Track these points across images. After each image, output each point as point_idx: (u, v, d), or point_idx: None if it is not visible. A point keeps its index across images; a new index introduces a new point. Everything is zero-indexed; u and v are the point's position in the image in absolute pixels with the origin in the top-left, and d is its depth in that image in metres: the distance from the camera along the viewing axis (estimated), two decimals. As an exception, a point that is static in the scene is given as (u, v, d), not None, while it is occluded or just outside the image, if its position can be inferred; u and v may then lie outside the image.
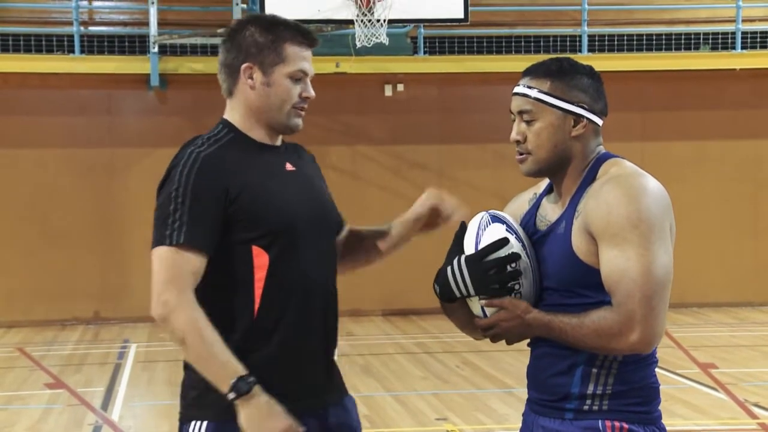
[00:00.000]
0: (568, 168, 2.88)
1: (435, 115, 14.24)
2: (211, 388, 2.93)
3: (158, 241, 2.94)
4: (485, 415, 8.18)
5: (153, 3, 13.14)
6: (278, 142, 3.16)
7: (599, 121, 2.91)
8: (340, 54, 12.86)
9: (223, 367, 2.88)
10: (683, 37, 14.63)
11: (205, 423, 3.00)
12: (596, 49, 14.33)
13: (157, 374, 10.28)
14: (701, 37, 14.65)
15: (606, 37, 14.48)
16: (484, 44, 14.35)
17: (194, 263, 2.91)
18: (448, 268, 2.86)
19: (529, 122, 2.88)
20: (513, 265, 2.81)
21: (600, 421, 2.80)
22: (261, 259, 2.99)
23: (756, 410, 8.19)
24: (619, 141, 11.28)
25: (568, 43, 14.45)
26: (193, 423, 3.03)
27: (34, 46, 13.67)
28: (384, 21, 11.36)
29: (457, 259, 2.86)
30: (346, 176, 13.55)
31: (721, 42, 14.60)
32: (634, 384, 2.82)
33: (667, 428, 2.91)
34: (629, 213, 2.71)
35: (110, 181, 13.81)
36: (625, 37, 14.51)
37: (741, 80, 14.33)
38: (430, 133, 14.22)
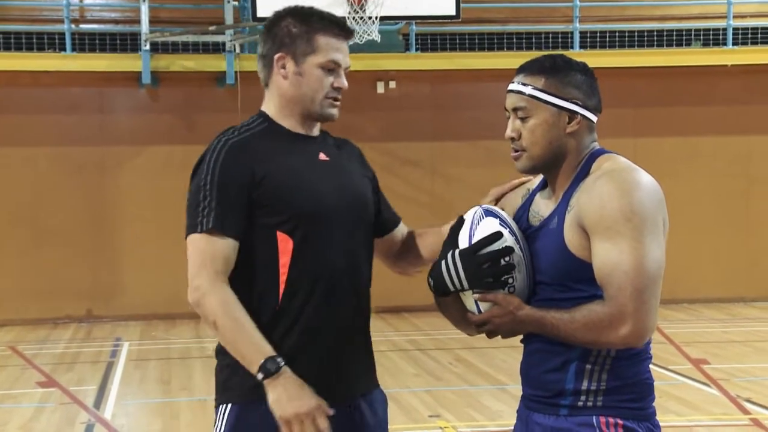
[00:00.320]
0: (562, 164, 2.89)
1: (427, 112, 14.25)
2: (235, 372, 3.00)
3: (190, 228, 3.02)
4: (478, 412, 8.18)
5: (144, 0, 13.12)
6: (314, 133, 3.20)
7: (594, 118, 2.92)
8: (332, 51, 12.84)
9: (253, 347, 2.93)
10: (675, 33, 14.65)
11: (230, 405, 3.06)
12: (588, 46, 14.34)
13: (149, 372, 10.26)
14: (693, 33, 14.67)
15: (598, 34, 14.49)
16: (476, 41, 14.35)
17: (225, 248, 2.98)
18: (442, 262, 2.87)
19: (523, 119, 2.89)
20: (506, 258, 2.81)
21: (594, 417, 2.81)
22: (285, 245, 3.03)
23: (748, 405, 8.20)
24: (611, 137, 11.26)
25: (560, 40, 14.45)
26: (222, 407, 3.09)
27: (25, 43, 13.64)
28: (376, 18, 11.35)
29: (451, 252, 2.86)
30: (338, 173, 13.53)
31: (713, 38, 14.62)
32: (628, 380, 2.82)
33: (660, 424, 2.91)
34: (622, 206, 2.71)
35: (102, 179, 13.78)
36: (617, 34, 14.53)
37: (732, 76, 14.35)
38: (422, 130, 14.22)
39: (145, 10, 13.16)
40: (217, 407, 3.11)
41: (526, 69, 2.91)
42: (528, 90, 2.87)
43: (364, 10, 11.37)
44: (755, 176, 14.60)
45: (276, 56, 3.13)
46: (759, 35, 14.63)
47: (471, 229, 2.87)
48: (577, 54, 13.34)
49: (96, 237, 13.72)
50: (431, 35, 14.25)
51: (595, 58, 11.61)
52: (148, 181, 13.76)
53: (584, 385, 2.81)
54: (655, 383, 2.91)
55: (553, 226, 2.84)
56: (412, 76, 13.95)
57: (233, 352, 2.98)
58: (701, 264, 14.33)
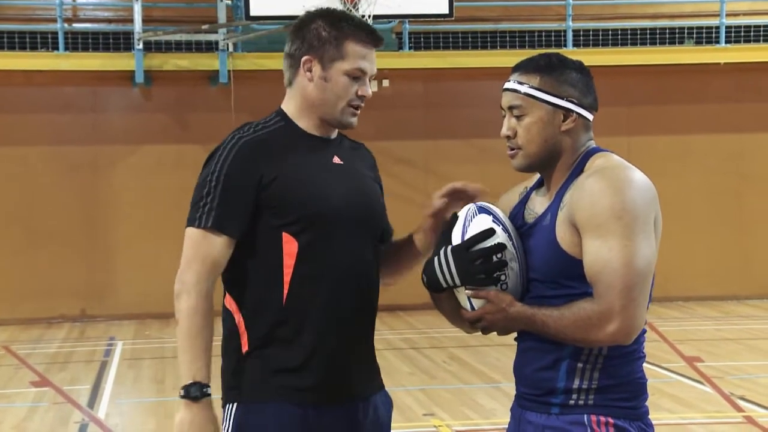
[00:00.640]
0: (558, 162, 2.89)
1: (420, 111, 14.25)
2: (240, 373, 3.03)
3: (189, 221, 3.03)
4: (472, 411, 8.19)
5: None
6: (331, 135, 3.20)
7: (589, 116, 2.92)
8: (326, 50, 12.84)
9: (192, 365, 2.96)
10: (668, 31, 14.68)
11: (235, 405, 3.07)
12: (581, 44, 14.36)
13: (143, 371, 10.26)
14: (686, 31, 14.69)
15: (591, 32, 14.51)
16: (469, 39, 14.36)
17: (219, 247, 2.99)
18: (435, 258, 2.88)
19: (519, 117, 2.89)
20: (499, 255, 2.81)
21: (586, 416, 2.80)
22: (290, 246, 3.02)
23: (742, 403, 8.22)
24: (604, 135, 11.23)
25: (553, 38, 14.47)
26: (228, 405, 3.10)
27: (18, 43, 13.63)
28: (369, 17, 11.35)
29: (443, 249, 2.87)
30: (331, 172, 13.54)
31: (706, 36, 14.65)
32: (620, 379, 2.82)
33: (653, 422, 2.91)
34: (613, 204, 2.71)
35: (95, 179, 13.77)
36: (610, 32, 14.54)
37: (725, 74, 14.37)
38: (415, 129, 14.22)
39: (138, 9, 13.15)
40: (223, 406, 3.12)
41: (521, 67, 2.91)
42: (523, 88, 2.88)
43: (357, 8, 11.38)
44: (748, 174, 14.62)
45: (303, 58, 3.10)
46: (751, 33, 14.65)
47: (464, 225, 2.88)
48: (570, 52, 13.29)
49: (89, 236, 13.71)
50: (424, 34, 14.25)
51: (588, 56, 11.62)
52: (141, 180, 13.75)
53: (576, 384, 2.81)
54: (648, 381, 2.90)
55: (546, 223, 2.84)
56: (406, 75, 13.95)
57: (178, 355, 3.01)
58: (694, 262, 14.36)
